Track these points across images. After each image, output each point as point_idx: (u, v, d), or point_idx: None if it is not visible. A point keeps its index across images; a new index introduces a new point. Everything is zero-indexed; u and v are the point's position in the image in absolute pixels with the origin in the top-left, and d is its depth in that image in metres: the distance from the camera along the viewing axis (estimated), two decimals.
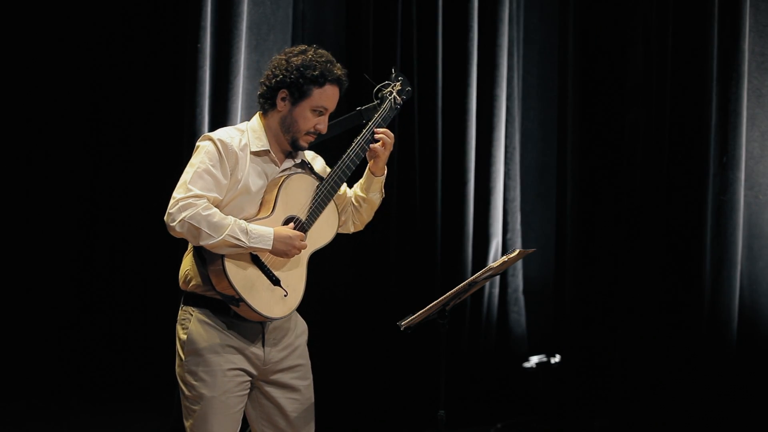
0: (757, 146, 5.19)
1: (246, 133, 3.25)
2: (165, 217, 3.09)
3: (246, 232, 3.08)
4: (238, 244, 3.07)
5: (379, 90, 3.46)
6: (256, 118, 3.30)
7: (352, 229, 3.54)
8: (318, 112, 3.24)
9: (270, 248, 3.11)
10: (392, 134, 3.37)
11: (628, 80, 5.47)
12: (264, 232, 3.11)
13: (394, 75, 3.48)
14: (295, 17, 5.38)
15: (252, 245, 3.08)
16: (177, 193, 3.10)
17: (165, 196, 3.23)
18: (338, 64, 3.27)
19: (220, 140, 3.17)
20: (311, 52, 3.24)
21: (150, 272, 5.84)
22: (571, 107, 5.78)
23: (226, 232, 3.05)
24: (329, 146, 3.54)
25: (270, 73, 3.26)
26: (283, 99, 3.23)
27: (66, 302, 6.03)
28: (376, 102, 3.45)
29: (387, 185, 3.50)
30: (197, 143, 3.23)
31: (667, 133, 5.27)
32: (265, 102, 3.28)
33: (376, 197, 3.46)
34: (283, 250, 3.14)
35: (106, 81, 5.96)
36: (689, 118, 5.22)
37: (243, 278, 3.11)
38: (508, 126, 5.86)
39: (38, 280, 6.01)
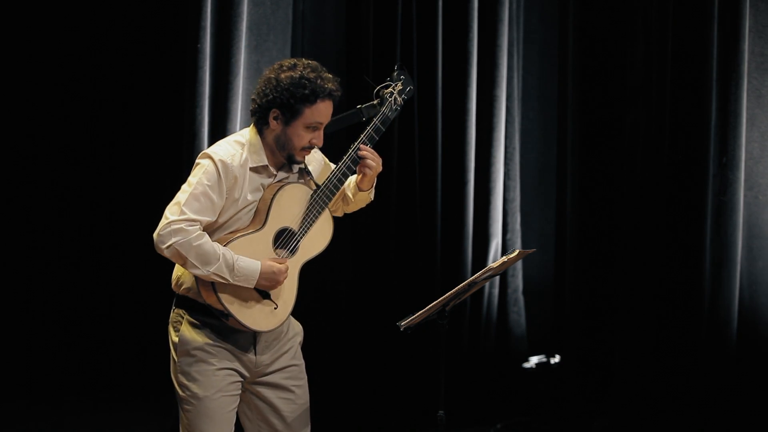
0: (757, 146, 5.19)
1: (245, 146, 3.22)
2: (154, 236, 3.08)
3: (232, 270, 3.07)
4: (222, 280, 3.08)
5: (380, 90, 3.43)
6: (253, 133, 3.25)
7: (339, 214, 3.55)
8: (312, 128, 3.20)
9: (253, 286, 3.12)
10: (378, 157, 3.34)
11: (628, 80, 5.47)
12: (249, 272, 3.10)
13: (396, 73, 3.44)
14: (295, 17, 5.38)
15: (235, 282, 3.09)
16: (170, 214, 3.08)
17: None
18: (329, 75, 3.21)
19: (221, 161, 3.14)
20: (300, 68, 3.18)
21: (150, 272, 5.81)
22: (571, 107, 5.78)
23: (212, 270, 3.05)
24: (328, 143, 3.52)
25: (260, 90, 3.22)
26: (275, 118, 3.19)
27: (66, 302, 6.03)
28: (376, 101, 3.42)
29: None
30: (197, 160, 3.20)
31: (667, 133, 5.27)
32: (258, 120, 3.24)
33: (363, 203, 3.49)
34: (267, 285, 3.15)
35: (106, 81, 5.96)
36: (689, 118, 5.22)
37: (231, 294, 3.13)
38: (508, 126, 5.86)
39: (38, 281, 6.01)
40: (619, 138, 5.54)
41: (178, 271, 3.25)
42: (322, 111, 3.20)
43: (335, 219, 3.49)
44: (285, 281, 3.20)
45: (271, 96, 3.18)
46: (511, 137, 5.91)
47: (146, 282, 5.88)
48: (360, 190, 3.41)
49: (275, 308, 3.20)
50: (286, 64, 3.22)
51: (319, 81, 3.17)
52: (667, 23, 5.25)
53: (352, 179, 3.46)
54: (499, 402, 5.77)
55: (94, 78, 5.96)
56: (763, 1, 5.17)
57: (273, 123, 3.20)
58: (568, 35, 5.82)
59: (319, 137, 3.22)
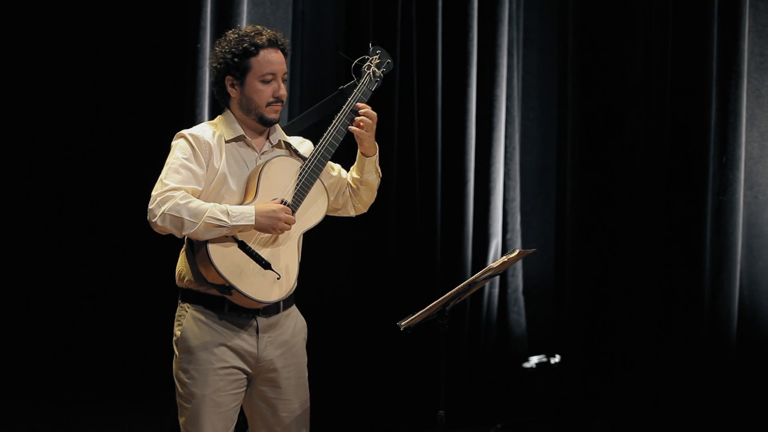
0: (757, 146, 5.19)
1: (218, 125, 3.27)
2: (147, 216, 3.09)
3: (227, 213, 3.07)
4: (220, 225, 3.05)
5: (357, 66, 3.44)
6: (224, 113, 3.30)
7: (353, 213, 3.51)
8: (267, 81, 3.22)
9: (253, 224, 3.09)
10: (373, 112, 3.33)
11: (628, 80, 5.47)
12: (245, 209, 3.10)
13: (371, 49, 3.45)
14: (295, 17, 5.38)
15: (234, 223, 3.07)
16: (154, 191, 3.11)
17: None
18: (268, 30, 3.26)
19: (191, 134, 3.21)
20: (236, 31, 3.26)
21: (150, 272, 5.83)
22: (571, 107, 5.78)
23: (206, 215, 3.04)
24: (318, 130, 3.51)
25: (210, 70, 3.29)
26: (231, 85, 3.24)
27: (66, 302, 6.03)
28: (355, 79, 3.43)
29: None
30: (171, 143, 3.24)
31: (666, 133, 5.27)
32: (221, 98, 3.30)
33: (373, 177, 3.43)
34: (269, 224, 3.11)
35: (106, 81, 5.96)
36: (689, 118, 5.22)
37: (230, 265, 3.09)
38: (507, 126, 5.86)
39: (38, 280, 6.01)
40: (619, 138, 5.54)
41: (180, 265, 3.26)
42: (270, 59, 3.22)
43: (339, 218, 3.49)
44: (286, 252, 3.19)
45: (218, 66, 3.23)
46: (511, 137, 5.91)
47: (146, 282, 5.90)
48: (365, 155, 3.38)
49: (278, 278, 3.17)
50: (222, 38, 3.28)
51: (254, 34, 3.22)
52: (667, 23, 5.25)
53: (346, 174, 3.45)
54: (499, 402, 5.77)
55: (94, 78, 5.96)
56: (763, 1, 5.17)
57: (232, 91, 3.25)
58: (568, 35, 5.82)
59: (281, 88, 3.24)
